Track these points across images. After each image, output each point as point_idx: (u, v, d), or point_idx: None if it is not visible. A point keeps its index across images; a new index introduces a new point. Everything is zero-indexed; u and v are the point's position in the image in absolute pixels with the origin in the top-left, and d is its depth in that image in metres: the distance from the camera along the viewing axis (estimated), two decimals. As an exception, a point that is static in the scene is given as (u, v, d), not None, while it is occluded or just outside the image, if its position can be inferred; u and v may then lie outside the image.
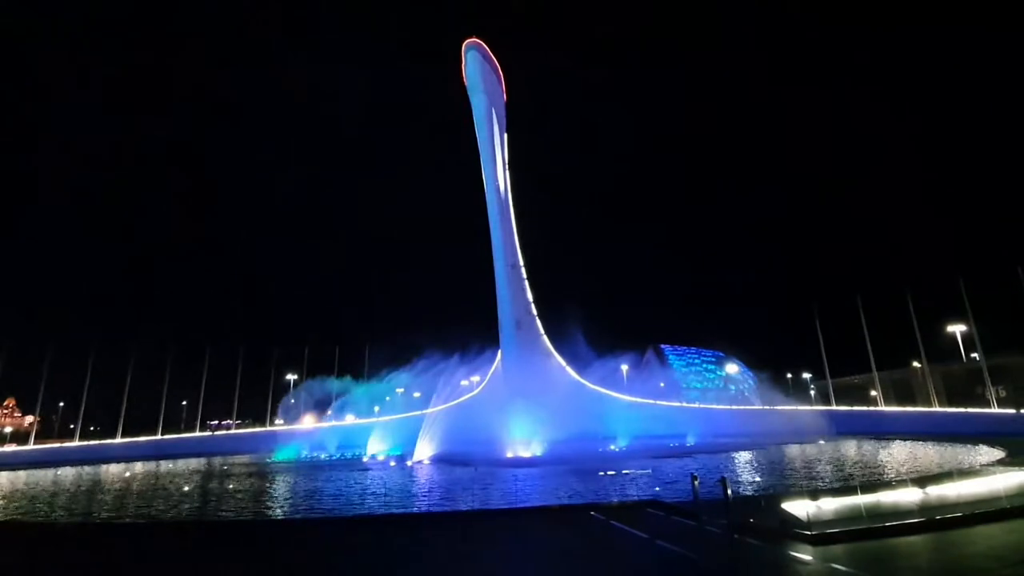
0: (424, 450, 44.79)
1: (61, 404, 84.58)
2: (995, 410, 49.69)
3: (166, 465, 48.19)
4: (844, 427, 54.50)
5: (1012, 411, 47.71)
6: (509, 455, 41.44)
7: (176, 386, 73.55)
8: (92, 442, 68.54)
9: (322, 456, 45.08)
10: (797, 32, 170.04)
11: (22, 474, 43.70)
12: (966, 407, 52.57)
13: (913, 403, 64.75)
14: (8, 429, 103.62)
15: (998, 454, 27.81)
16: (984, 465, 23.58)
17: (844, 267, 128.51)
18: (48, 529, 17.71)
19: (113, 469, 45.78)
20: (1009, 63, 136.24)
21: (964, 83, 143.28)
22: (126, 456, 59.70)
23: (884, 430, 51.59)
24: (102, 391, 71.07)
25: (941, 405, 59.08)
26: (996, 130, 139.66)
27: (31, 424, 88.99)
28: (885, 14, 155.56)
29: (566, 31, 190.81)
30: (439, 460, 40.99)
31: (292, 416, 71.22)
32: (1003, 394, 58.26)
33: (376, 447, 49.61)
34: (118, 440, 66.65)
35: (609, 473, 27.26)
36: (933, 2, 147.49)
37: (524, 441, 43.17)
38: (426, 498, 22.44)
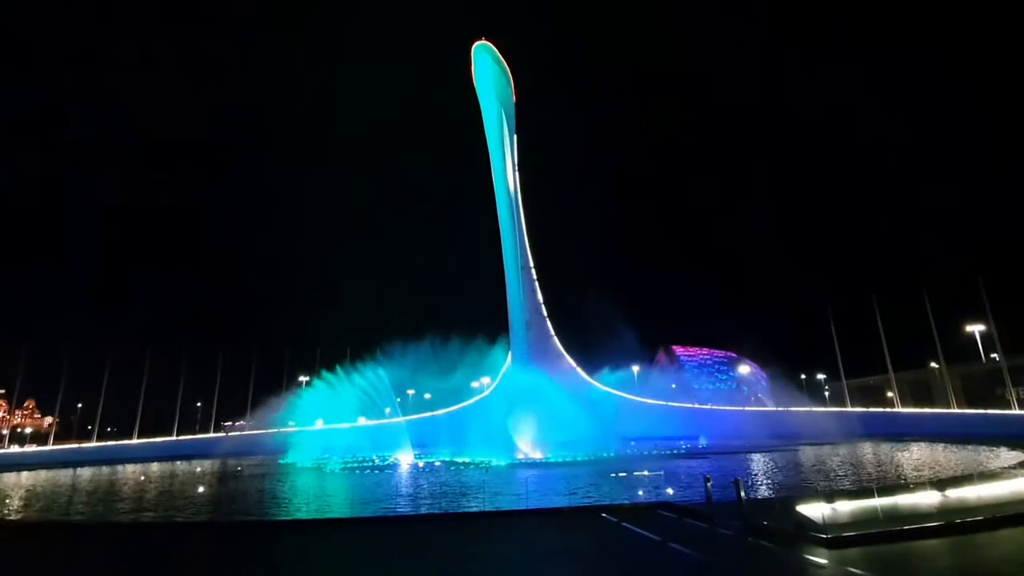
0: (435, 452, 44.93)
1: (79, 405, 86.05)
2: (1016, 412, 48.67)
3: (182, 466, 48.81)
4: (860, 429, 53.61)
5: (1034, 413, 46.75)
6: (520, 456, 41.38)
7: (191, 388, 74.62)
8: (109, 443, 69.62)
9: (327, 462, 45.11)
10: (809, 27, 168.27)
11: (43, 473, 44.50)
12: (986, 408, 51.52)
13: (931, 404, 63.66)
14: (28, 430, 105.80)
15: (1020, 456, 27.24)
16: (1005, 468, 23.09)
17: (859, 266, 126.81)
18: (63, 528, 17.99)
19: (130, 469, 46.44)
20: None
21: (979, 77, 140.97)
22: (142, 456, 60.47)
23: (902, 432, 50.71)
24: (119, 393, 72.27)
25: (960, 406, 57.95)
26: (1016, 127, 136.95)
27: (50, 425, 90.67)
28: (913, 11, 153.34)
29: (576, 32, 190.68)
30: (449, 462, 41.09)
31: (305, 417, 71.74)
32: (1024, 395, 56.97)
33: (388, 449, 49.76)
34: (134, 441, 67.63)
35: (620, 475, 27.10)
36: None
37: (534, 442, 43.10)
38: (436, 499, 22.46)
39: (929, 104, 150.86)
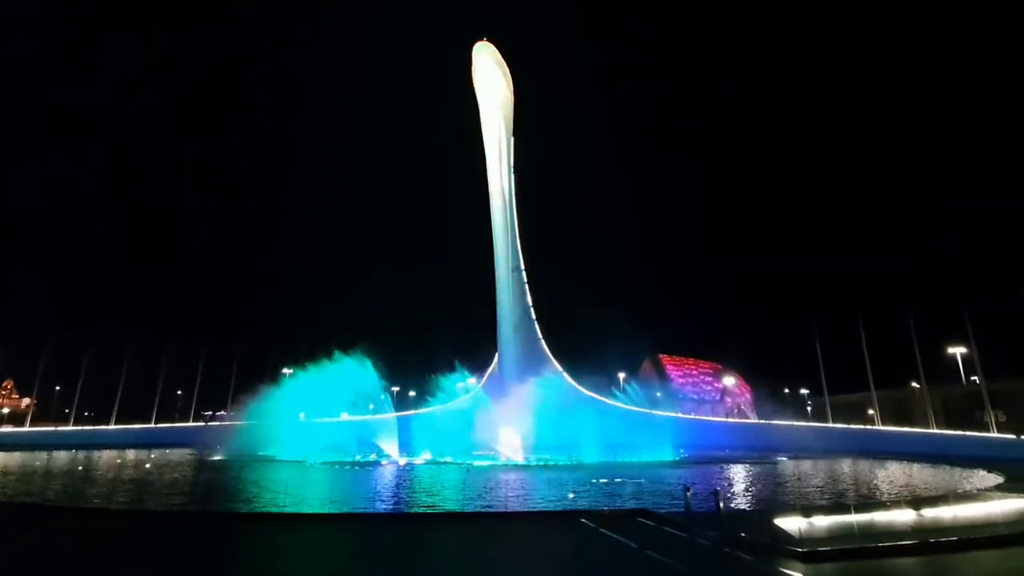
0: (418, 450, 44.72)
1: (57, 388, 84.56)
2: (995, 434, 49.25)
3: (157, 454, 48.08)
4: (841, 445, 54.13)
5: (1012, 436, 47.26)
6: (503, 458, 41.31)
7: (172, 376, 73.40)
8: (86, 427, 68.56)
9: (308, 456, 44.51)
10: (807, 36, 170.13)
11: (17, 455, 43.65)
12: (965, 430, 52.10)
13: (911, 424, 64.28)
14: (6, 410, 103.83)
15: (997, 479, 27.48)
16: (982, 490, 23.28)
17: (846, 285, 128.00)
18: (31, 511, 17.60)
19: (105, 455, 45.68)
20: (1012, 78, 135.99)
21: (967, 98, 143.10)
22: (119, 442, 59.54)
23: (881, 449, 51.15)
24: (99, 377, 71.07)
25: (939, 427, 58.62)
26: (1002, 151, 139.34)
27: (27, 406, 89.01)
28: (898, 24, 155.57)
29: (581, 35, 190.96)
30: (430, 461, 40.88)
31: (287, 411, 70.99)
32: (1003, 419, 57.66)
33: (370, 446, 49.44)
34: (112, 426, 66.57)
35: (602, 481, 27.09)
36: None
37: (517, 444, 43.03)
38: (414, 498, 22.27)
39: (921, 126, 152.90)
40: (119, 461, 39.55)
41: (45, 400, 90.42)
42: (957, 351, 58.65)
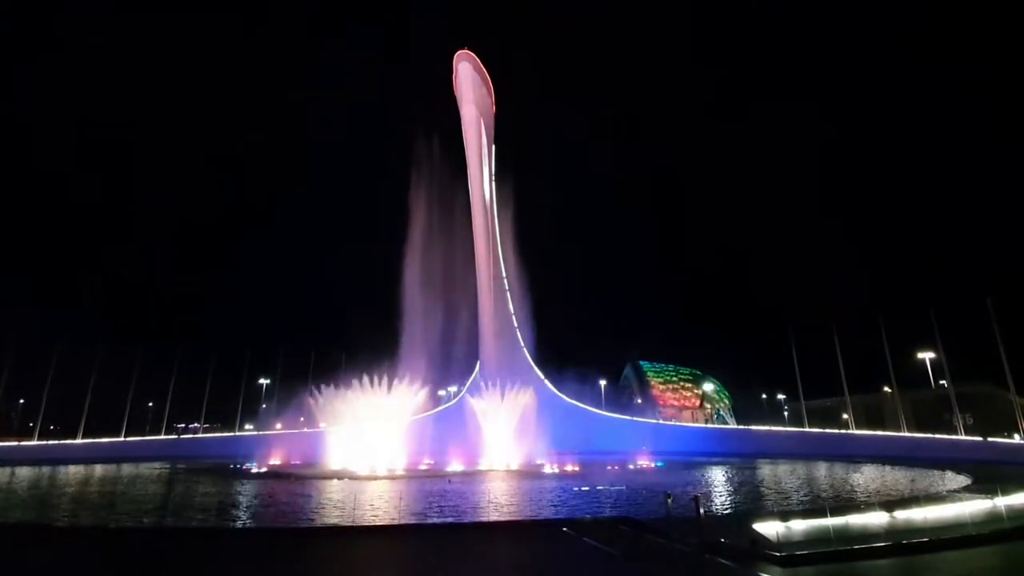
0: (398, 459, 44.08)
1: (21, 401, 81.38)
2: (963, 437, 50.66)
3: (128, 468, 46.52)
4: (817, 449, 55.13)
5: (979, 439, 48.70)
6: (484, 466, 41.07)
7: (143, 387, 71.00)
8: (51, 441, 66.00)
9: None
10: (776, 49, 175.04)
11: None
12: (934, 433, 53.51)
13: (883, 427, 65.86)
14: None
15: (965, 480, 28.19)
16: (951, 491, 23.87)
17: (820, 292, 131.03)
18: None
19: (72, 471, 44.01)
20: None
21: (943, 115, 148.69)
22: (86, 457, 57.39)
23: (855, 452, 52.23)
24: (65, 389, 68.38)
25: (910, 430, 60.09)
26: (968, 165, 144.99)
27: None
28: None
29: (561, 48, 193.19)
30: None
31: (263, 422, 69.86)
32: (970, 421, 59.52)
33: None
34: (79, 441, 64.18)
35: (583, 489, 27.10)
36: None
37: (499, 452, 42.88)
38: (392, 508, 21.90)
39: (894, 134, 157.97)
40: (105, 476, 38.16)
41: (8, 414, 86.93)
42: (926, 356, 60.45)
